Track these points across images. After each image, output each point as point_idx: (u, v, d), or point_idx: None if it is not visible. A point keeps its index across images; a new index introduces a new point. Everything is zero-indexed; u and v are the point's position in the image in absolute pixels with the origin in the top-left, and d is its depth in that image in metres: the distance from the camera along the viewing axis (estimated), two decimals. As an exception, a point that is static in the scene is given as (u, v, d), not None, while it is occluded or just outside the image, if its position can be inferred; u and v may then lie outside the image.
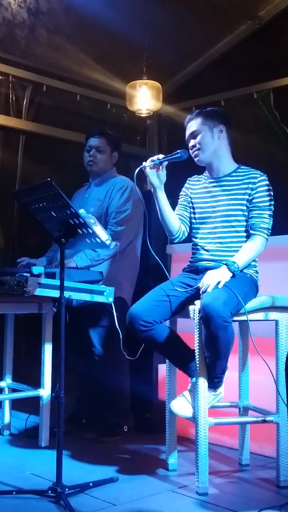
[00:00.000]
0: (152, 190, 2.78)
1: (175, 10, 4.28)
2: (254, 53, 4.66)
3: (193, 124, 2.89)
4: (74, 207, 3.21)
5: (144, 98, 4.29)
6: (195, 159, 2.89)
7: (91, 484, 2.56)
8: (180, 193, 3.04)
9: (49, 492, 2.44)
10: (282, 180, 4.06)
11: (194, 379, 2.69)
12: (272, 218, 2.80)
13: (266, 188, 2.81)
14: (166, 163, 2.73)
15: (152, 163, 2.71)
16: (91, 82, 4.75)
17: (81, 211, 2.55)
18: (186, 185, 3.04)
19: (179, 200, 3.02)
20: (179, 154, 2.74)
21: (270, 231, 2.80)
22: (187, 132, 2.92)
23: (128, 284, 3.51)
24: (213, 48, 4.88)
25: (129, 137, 5.26)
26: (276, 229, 2.87)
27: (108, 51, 4.48)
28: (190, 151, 2.88)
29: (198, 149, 2.87)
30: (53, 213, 2.54)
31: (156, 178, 2.73)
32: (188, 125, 2.93)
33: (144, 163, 2.71)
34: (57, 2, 4.13)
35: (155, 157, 2.73)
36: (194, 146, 2.88)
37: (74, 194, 3.74)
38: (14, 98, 4.40)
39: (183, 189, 3.04)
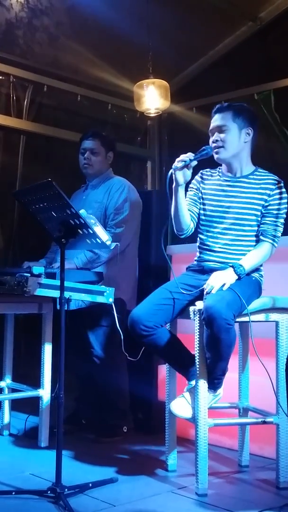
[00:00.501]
0: (173, 187, 2.72)
1: (176, 11, 4.28)
2: (255, 54, 4.66)
3: (222, 117, 2.80)
4: None
5: (152, 97, 4.27)
6: (215, 156, 2.81)
7: (90, 484, 2.56)
8: (190, 186, 2.93)
9: (49, 492, 2.44)
10: (285, 180, 4.06)
11: (192, 382, 2.69)
12: (282, 226, 2.78)
13: (281, 195, 2.77)
14: (195, 162, 2.70)
15: (183, 163, 2.67)
16: (92, 82, 4.75)
17: (82, 212, 2.55)
18: (197, 178, 2.94)
19: (188, 194, 2.91)
20: (206, 151, 2.72)
21: (279, 239, 2.78)
22: (213, 124, 2.82)
23: (127, 285, 3.51)
24: (214, 49, 4.88)
25: (129, 137, 5.26)
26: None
27: (111, 52, 4.48)
28: (212, 144, 2.81)
29: (221, 146, 2.79)
30: (53, 213, 2.54)
31: (182, 176, 2.69)
32: (216, 116, 2.83)
33: (174, 164, 2.67)
34: (59, 2, 4.13)
35: (185, 157, 2.67)
36: (217, 140, 2.80)
37: (71, 196, 3.74)
38: (14, 98, 4.40)
39: (194, 181, 2.93)
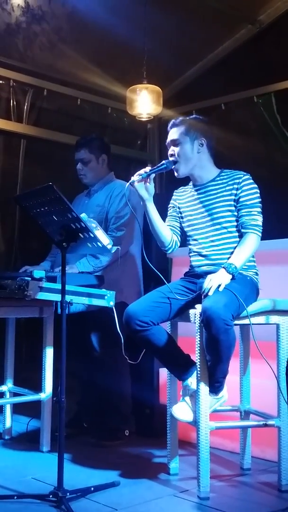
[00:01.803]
0: (142, 203, 2.83)
1: (175, 15, 4.28)
2: (255, 56, 4.66)
3: (175, 132, 2.92)
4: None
5: (145, 102, 4.30)
6: (176, 174, 2.93)
7: (92, 488, 2.56)
8: (169, 205, 3.08)
9: (50, 496, 2.44)
10: (283, 184, 4.07)
11: (185, 382, 2.70)
12: (261, 215, 2.82)
13: (251, 186, 2.84)
14: (153, 175, 2.79)
15: (140, 177, 2.77)
16: (91, 86, 4.76)
17: (83, 216, 2.56)
18: (173, 197, 3.08)
19: (168, 212, 3.05)
20: (165, 165, 2.84)
21: (261, 228, 2.81)
22: (169, 138, 2.95)
23: (130, 288, 3.51)
24: (213, 52, 4.87)
25: (129, 141, 5.26)
26: (277, 232, 2.88)
27: (109, 56, 4.48)
28: (170, 158, 2.91)
29: (177, 161, 2.89)
30: (54, 217, 2.54)
31: (145, 191, 2.80)
32: (170, 130, 2.95)
33: (132, 178, 2.77)
34: (58, 7, 4.13)
35: (142, 171, 2.78)
36: (172, 155, 2.91)
37: (74, 199, 3.74)
38: (15, 102, 4.41)
39: (171, 201, 3.08)
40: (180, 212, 3.01)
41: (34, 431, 3.38)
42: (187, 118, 2.99)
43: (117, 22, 4.13)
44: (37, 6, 4.10)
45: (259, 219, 2.80)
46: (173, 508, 2.47)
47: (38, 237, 3.99)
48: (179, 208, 3.02)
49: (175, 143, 2.91)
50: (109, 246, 2.65)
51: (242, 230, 2.80)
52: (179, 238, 3.00)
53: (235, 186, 2.83)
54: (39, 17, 4.15)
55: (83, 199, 3.70)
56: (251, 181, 2.85)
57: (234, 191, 2.83)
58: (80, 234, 2.55)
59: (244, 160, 3.22)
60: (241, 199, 2.81)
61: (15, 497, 2.50)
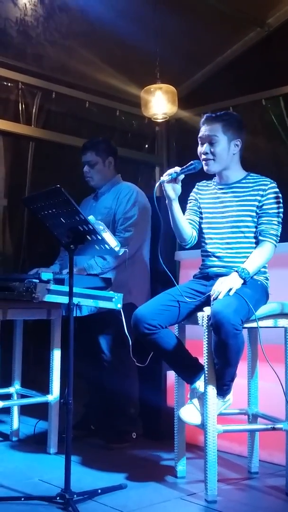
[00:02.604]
0: (167, 202, 2.79)
1: (184, 18, 4.29)
2: (263, 59, 4.66)
3: (210, 129, 2.82)
4: None
5: (160, 102, 4.29)
6: (205, 168, 2.85)
7: (99, 490, 2.55)
8: (189, 198, 3.03)
9: (58, 498, 2.44)
10: (275, 182, 4.06)
11: (193, 385, 2.70)
12: (281, 225, 2.80)
13: (275, 195, 2.81)
14: (182, 176, 2.75)
15: (170, 177, 2.72)
16: (100, 89, 4.77)
17: (90, 218, 2.56)
18: (194, 190, 3.03)
19: (188, 205, 3.01)
20: (194, 165, 2.75)
21: (278, 238, 2.80)
22: (202, 133, 2.85)
23: (138, 289, 3.51)
24: (222, 55, 4.89)
25: (137, 143, 5.28)
26: (285, 236, 2.87)
27: (119, 59, 4.50)
28: (201, 155, 2.85)
29: (211, 159, 2.83)
30: (62, 220, 2.54)
31: (172, 191, 2.75)
32: (204, 125, 2.85)
33: (162, 178, 2.74)
34: (67, 10, 4.15)
35: (171, 171, 2.74)
36: (207, 153, 2.83)
37: (81, 202, 3.75)
38: (23, 105, 4.43)
39: (192, 193, 3.03)
40: (200, 207, 2.97)
41: (41, 433, 3.38)
42: (224, 113, 2.88)
43: (127, 25, 4.14)
44: (47, 10, 4.11)
45: (278, 229, 2.78)
46: (180, 511, 2.46)
47: (46, 239, 4.01)
48: (199, 203, 2.97)
49: (211, 140, 2.82)
50: (116, 248, 2.65)
51: (260, 238, 2.78)
52: (197, 233, 2.96)
53: (260, 192, 2.80)
54: (48, 20, 4.16)
55: (90, 202, 3.70)
56: (277, 189, 2.81)
57: (258, 197, 2.80)
58: (87, 236, 2.56)
59: (252, 162, 3.22)
60: (264, 207, 2.78)
61: (22, 499, 2.50)
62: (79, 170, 3.75)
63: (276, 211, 2.79)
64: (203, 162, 2.85)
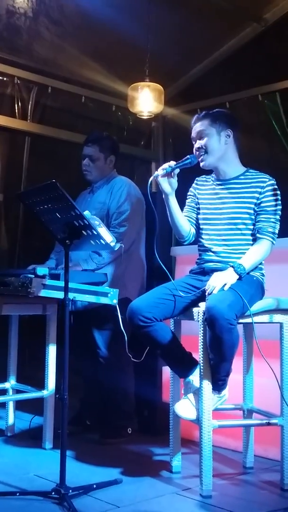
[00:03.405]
0: (163, 196, 2.79)
1: (179, 13, 4.27)
2: (259, 55, 4.65)
3: (199, 125, 2.87)
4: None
5: (146, 100, 4.29)
6: (201, 164, 2.87)
7: (94, 486, 2.56)
8: (188, 193, 3.03)
9: (53, 493, 2.44)
10: (286, 183, 4.06)
11: (187, 379, 2.71)
12: (279, 223, 2.80)
13: (274, 192, 2.80)
14: (177, 170, 2.74)
15: (164, 171, 2.72)
16: (96, 84, 4.76)
17: (86, 213, 2.56)
18: (193, 185, 3.03)
19: (187, 201, 3.02)
20: (189, 160, 2.76)
21: (276, 235, 2.79)
22: (193, 133, 2.90)
23: (134, 284, 3.51)
24: (218, 51, 4.87)
25: (133, 139, 5.27)
26: (281, 232, 2.87)
27: (113, 54, 4.48)
28: (195, 153, 2.87)
29: (205, 153, 2.85)
30: (58, 215, 2.54)
31: (168, 185, 2.75)
32: (194, 125, 2.90)
33: (156, 172, 2.73)
34: (61, 5, 4.13)
35: (166, 165, 2.73)
36: (200, 148, 2.86)
37: (78, 196, 3.75)
38: (19, 99, 4.41)
39: (191, 189, 3.03)
40: (198, 203, 2.97)
41: (36, 428, 3.38)
42: (210, 110, 2.92)
43: (121, 20, 4.12)
44: (39, 3, 4.09)
45: (276, 227, 2.78)
46: (175, 506, 2.47)
47: (41, 234, 3.99)
48: (198, 198, 2.98)
49: (201, 135, 2.85)
50: (112, 244, 2.65)
51: (258, 235, 2.78)
52: (196, 229, 2.96)
53: (259, 189, 2.79)
54: (42, 14, 4.15)
55: (86, 196, 3.69)
56: (275, 187, 2.81)
57: (256, 195, 2.79)
58: (83, 231, 2.55)
59: (248, 158, 3.22)
60: (262, 204, 2.78)
61: (18, 494, 2.50)
62: (75, 165, 3.75)
63: (274, 208, 2.79)
64: (199, 159, 2.86)
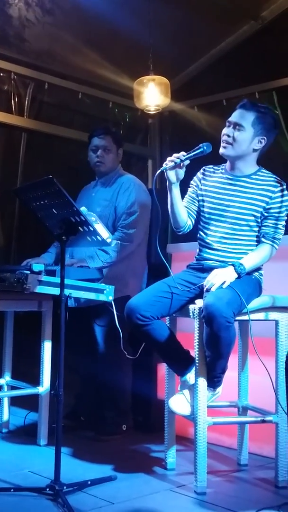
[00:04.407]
0: (167, 184, 2.72)
1: (178, 10, 4.26)
2: (257, 52, 4.64)
3: (242, 116, 2.76)
4: (79, 204, 3.19)
5: (152, 94, 4.25)
6: (221, 150, 2.78)
7: (89, 482, 2.56)
8: (191, 182, 2.94)
9: (47, 489, 2.44)
10: (284, 180, 4.06)
11: (184, 378, 2.70)
12: (284, 229, 2.78)
13: (284, 198, 2.77)
14: (188, 161, 2.67)
15: (173, 163, 2.65)
16: (93, 80, 4.75)
17: (83, 209, 2.56)
18: (199, 174, 2.94)
19: (188, 190, 2.93)
20: (202, 149, 2.66)
21: (280, 241, 2.78)
22: (233, 118, 2.78)
23: (135, 281, 3.51)
24: (216, 48, 4.86)
25: (130, 136, 5.24)
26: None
27: (112, 50, 4.46)
28: (222, 137, 2.78)
29: (230, 143, 2.77)
30: (54, 211, 2.53)
31: (174, 175, 2.68)
32: (238, 111, 2.79)
33: (164, 165, 2.65)
34: (62, 0, 4.11)
35: (175, 157, 2.64)
36: (229, 135, 2.77)
37: (80, 191, 3.72)
38: (16, 95, 4.40)
39: (195, 178, 2.94)
40: (202, 195, 2.88)
41: (31, 424, 3.38)
42: (263, 107, 2.81)
43: (120, 15, 4.11)
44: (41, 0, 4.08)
45: (281, 233, 2.77)
46: (169, 503, 2.47)
47: (37, 230, 3.99)
48: (201, 189, 2.89)
49: (238, 126, 2.75)
50: (108, 240, 2.65)
51: (262, 239, 2.76)
52: (193, 221, 2.89)
53: (269, 194, 2.75)
54: (39, 9, 4.13)
55: (90, 191, 3.67)
56: (286, 192, 2.77)
57: (267, 199, 2.75)
58: (79, 227, 2.55)
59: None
60: (271, 210, 2.75)
61: (12, 490, 2.50)
62: (71, 161, 3.73)
63: (282, 214, 2.76)
64: (222, 144, 2.79)
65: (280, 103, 4.51)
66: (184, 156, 2.65)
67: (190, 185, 2.94)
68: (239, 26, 4.68)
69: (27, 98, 4.46)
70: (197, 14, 4.33)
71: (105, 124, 4.59)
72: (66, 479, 2.47)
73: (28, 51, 4.35)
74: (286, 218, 2.79)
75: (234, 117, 2.79)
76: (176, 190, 2.74)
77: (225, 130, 2.81)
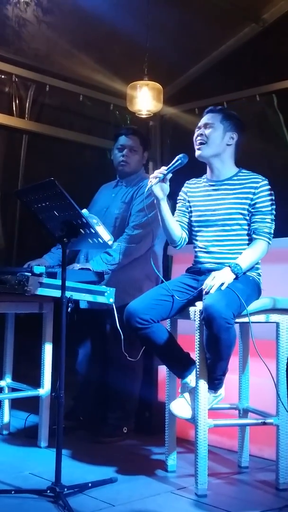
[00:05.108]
0: (155, 202, 2.77)
1: (178, 12, 4.27)
2: (258, 55, 4.66)
3: (210, 117, 2.89)
4: (98, 203, 3.14)
5: (145, 99, 4.29)
6: (197, 153, 2.87)
7: (90, 484, 2.56)
8: (178, 198, 3.03)
9: (48, 491, 2.44)
10: (284, 182, 4.06)
11: (184, 380, 2.70)
12: (274, 222, 2.81)
13: (268, 192, 2.81)
14: (170, 175, 2.72)
15: (157, 180, 2.70)
16: (93, 82, 4.75)
17: (84, 211, 2.56)
18: (183, 188, 3.03)
19: (177, 205, 3.01)
20: (180, 161, 2.73)
21: (272, 235, 2.80)
22: (202, 121, 2.90)
23: (149, 285, 3.47)
24: (217, 50, 4.87)
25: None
26: (278, 232, 2.88)
27: (111, 52, 4.48)
28: (195, 140, 2.87)
29: (203, 143, 2.85)
30: (55, 213, 2.54)
31: (160, 191, 2.73)
32: (206, 115, 2.91)
33: (149, 183, 2.70)
34: (62, 3, 4.12)
35: (158, 173, 2.70)
36: (202, 135, 2.86)
37: (99, 188, 3.70)
38: (17, 97, 4.41)
39: (181, 193, 3.03)
40: (190, 206, 2.96)
41: (32, 426, 3.38)
42: (226, 108, 2.96)
43: (122, 18, 4.12)
44: (42, 1, 4.08)
45: (272, 227, 2.79)
46: (170, 505, 2.47)
47: (38, 232, 3.98)
48: (189, 202, 2.97)
49: (207, 126, 2.87)
50: (110, 242, 2.65)
51: (254, 236, 2.79)
52: (188, 233, 2.96)
53: (252, 190, 2.80)
54: (40, 12, 4.13)
55: (110, 191, 3.63)
56: (268, 187, 2.81)
57: (250, 195, 2.80)
58: (81, 229, 2.55)
59: (245, 159, 3.23)
60: (256, 205, 2.79)
61: (13, 492, 2.50)
62: (72, 163, 3.73)
63: (269, 208, 2.79)
64: (197, 147, 2.87)
65: (280, 106, 4.52)
66: (165, 170, 2.71)
67: (178, 201, 3.02)
68: (239, 28, 4.69)
69: (28, 100, 4.47)
70: (198, 16, 4.34)
71: (106, 127, 4.61)
72: (66, 481, 2.47)
73: (27, 52, 4.36)
74: (274, 212, 2.81)
75: (203, 120, 2.91)
76: (165, 206, 2.79)
77: (196, 134, 2.90)
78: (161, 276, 3.50)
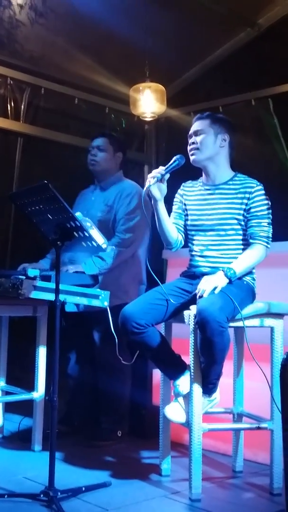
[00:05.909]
0: (152, 202, 2.78)
1: (175, 16, 4.28)
2: (253, 60, 4.66)
3: (199, 124, 2.90)
4: (78, 208, 3.17)
5: (148, 101, 4.27)
6: (191, 158, 2.89)
7: (83, 488, 2.55)
8: (174, 200, 3.03)
9: (41, 496, 2.43)
10: (280, 187, 4.07)
11: (176, 381, 2.71)
12: (271, 226, 2.80)
13: (263, 197, 2.81)
14: (168, 175, 2.74)
15: (155, 179, 2.71)
16: (90, 85, 4.75)
17: (78, 214, 2.55)
18: (179, 191, 3.03)
19: (173, 208, 3.01)
20: (177, 161, 2.75)
21: (270, 239, 2.80)
22: (192, 130, 2.92)
23: (134, 288, 3.49)
24: (213, 54, 4.87)
25: (127, 141, 5.24)
26: (273, 236, 2.88)
27: (109, 55, 4.47)
28: (188, 148, 2.89)
29: (196, 148, 2.87)
30: (49, 216, 2.53)
31: (158, 191, 2.74)
32: (195, 123, 2.93)
33: (147, 183, 2.72)
34: (58, 5, 4.12)
35: (156, 173, 2.72)
36: (193, 143, 2.88)
37: (78, 195, 3.72)
38: (12, 100, 4.40)
39: (177, 195, 3.03)
40: (186, 209, 2.97)
41: (26, 430, 3.36)
42: (213, 113, 2.98)
43: (117, 21, 4.11)
44: (33, 2, 4.08)
45: (269, 231, 2.79)
46: (164, 509, 2.46)
47: (33, 235, 3.97)
48: (185, 204, 2.97)
49: (197, 133, 2.89)
50: (104, 246, 2.64)
51: (251, 240, 2.78)
52: (184, 236, 2.97)
53: (247, 195, 2.80)
54: (38, 15, 4.13)
55: (89, 195, 3.66)
56: (263, 191, 2.82)
57: (245, 200, 2.80)
58: (75, 232, 2.55)
59: (240, 162, 3.24)
60: (251, 210, 2.79)
61: (6, 496, 2.49)
62: (67, 167, 3.73)
63: (265, 213, 2.79)
64: (190, 154, 2.88)
65: (276, 110, 4.53)
66: (163, 170, 2.73)
67: (174, 203, 3.02)
68: (235, 33, 4.70)
69: (23, 103, 4.46)
70: (194, 20, 4.35)
71: (97, 131, 4.60)
72: (60, 485, 2.46)
73: (21, 55, 4.35)
74: (271, 216, 2.81)
75: (193, 128, 2.93)
76: (162, 207, 2.80)
77: (189, 143, 2.92)
78: (145, 281, 3.53)
